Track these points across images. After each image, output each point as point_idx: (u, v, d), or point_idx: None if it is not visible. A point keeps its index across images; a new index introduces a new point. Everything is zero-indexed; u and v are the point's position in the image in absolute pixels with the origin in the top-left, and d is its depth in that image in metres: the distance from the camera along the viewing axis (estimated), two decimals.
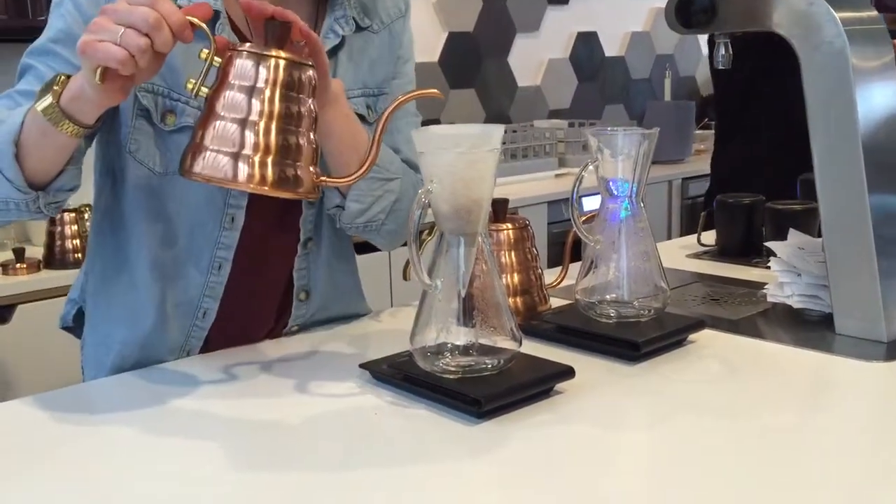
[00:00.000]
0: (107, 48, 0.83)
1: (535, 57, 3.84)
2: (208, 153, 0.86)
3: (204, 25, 0.87)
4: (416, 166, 1.23)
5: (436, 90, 0.94)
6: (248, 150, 0.86)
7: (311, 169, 0.91)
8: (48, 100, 0.91)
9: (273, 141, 0.87)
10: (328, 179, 0.94)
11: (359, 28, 1.18)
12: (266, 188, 0.87)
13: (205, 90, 0.88)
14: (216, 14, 1.07)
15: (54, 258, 2.10)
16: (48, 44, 1.05)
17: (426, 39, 3.39)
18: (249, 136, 0.86)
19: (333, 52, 1.16)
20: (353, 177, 0.97)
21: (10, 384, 1.95)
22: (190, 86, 0.89)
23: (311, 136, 0.92)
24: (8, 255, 2.07)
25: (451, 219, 0.93)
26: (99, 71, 0.85)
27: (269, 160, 0.87)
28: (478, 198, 0.92)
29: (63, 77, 0.91)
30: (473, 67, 3.59)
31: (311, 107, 0.92)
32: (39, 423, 0.94)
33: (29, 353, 1.97)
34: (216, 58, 0.89)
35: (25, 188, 0.96)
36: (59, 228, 2.10)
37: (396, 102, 0.94)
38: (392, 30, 1.23)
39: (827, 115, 1.15)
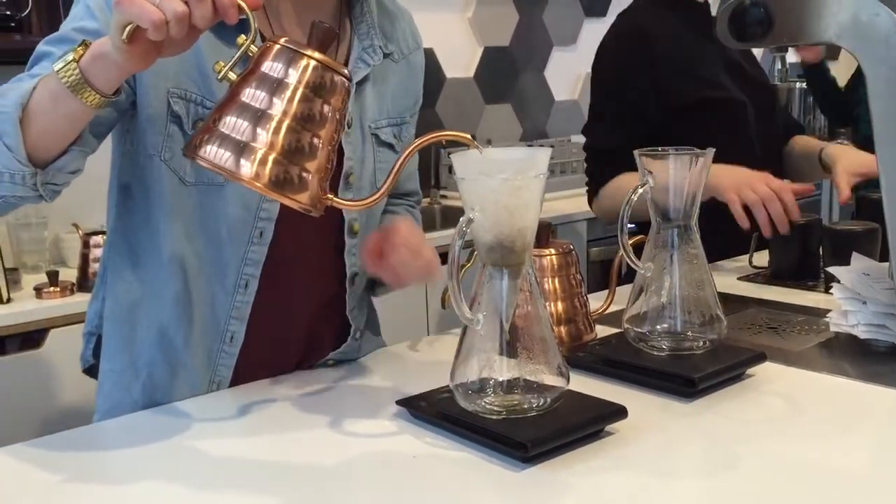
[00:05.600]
0: (143, 5, 0.80)
1: (572, 70, 3.77)
2: (216, 139, 0.82)
3: (249, 12, 0.83)
4: (416, 191, 1.32)
5: (469, 136, 0.87)
6: (254, 143, 0.82)
7: (319, 182, 0.86)
8: (68, 57, 0.87)
9: (282, 139, 0.82)
10: (336, 199, 0.88)
11: (384, 55, 1.16)
12: (260, 184, 0.81)
13: (232, 76, 0.85)
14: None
15: (88, 281, 2.06)
16: (71, 32, 1.00)
17: (461, 54, 3.34)
18: (260, 131, 0.82)
19: (361, 82, 1.13)
20: (364, 202, 0.92)
21: (44, 410, 1.92)
22: (218, 68, 0.85)
23: (329, 150, 0.86)
24: (42, 278, 2.05)
25: (495, 249, 0.87)
26: (129, 29, 0.81)
27: (272, 157, 0.82)
28: (522, 227, 0.87)
29: (86, 41, 0.88)
30: (509, 82, 3.53)
31: (335, 117, 0.86)
32: (60, 463, 0.89)
33: (62, 379, 1.94)
34: (252, 46, 0.85)
35: (24, 159, 0.91)
36: (92, 251, 2.07)
37: (420, 142, 0.88)
38: (410, 61, 1.21)
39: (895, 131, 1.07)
